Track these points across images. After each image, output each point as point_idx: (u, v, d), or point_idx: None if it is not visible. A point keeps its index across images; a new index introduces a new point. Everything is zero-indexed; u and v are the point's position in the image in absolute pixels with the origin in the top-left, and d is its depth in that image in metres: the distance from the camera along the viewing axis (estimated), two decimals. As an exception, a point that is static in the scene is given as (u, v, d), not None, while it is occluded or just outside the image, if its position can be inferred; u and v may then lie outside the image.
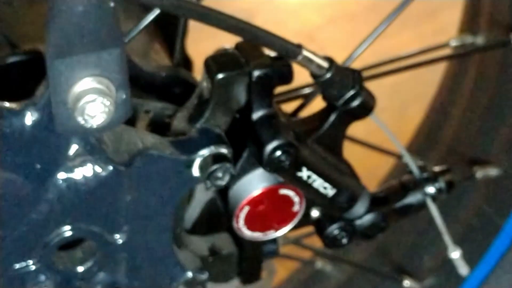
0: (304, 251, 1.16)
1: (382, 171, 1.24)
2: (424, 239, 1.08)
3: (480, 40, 0.95)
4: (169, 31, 0.79)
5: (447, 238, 0.79)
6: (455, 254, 0.80)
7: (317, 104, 0.70)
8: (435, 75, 1.15)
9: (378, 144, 0.90)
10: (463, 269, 0.80)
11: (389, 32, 0.79)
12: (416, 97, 1.37)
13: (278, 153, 0.62)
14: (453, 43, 0.95)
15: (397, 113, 1.70)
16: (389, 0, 0.82)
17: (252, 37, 0.59)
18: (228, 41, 0.64)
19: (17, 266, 0.62)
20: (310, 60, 0.62)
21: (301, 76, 0.69)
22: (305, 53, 0.62)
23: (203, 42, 0.92)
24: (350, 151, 0.77)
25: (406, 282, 1.02)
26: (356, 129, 0.83)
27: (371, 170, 1.23)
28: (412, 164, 0.76)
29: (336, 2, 2.07)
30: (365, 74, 0.82)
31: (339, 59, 0.78)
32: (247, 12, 1.99)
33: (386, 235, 0.98)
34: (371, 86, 0.69)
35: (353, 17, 1.98)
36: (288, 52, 0.61)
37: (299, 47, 0.61)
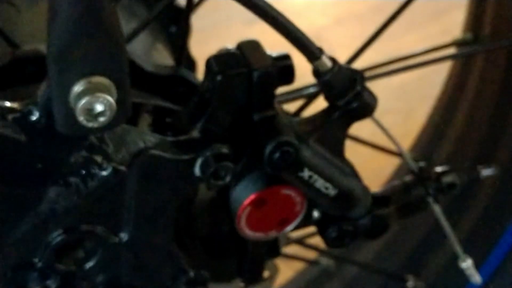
0: (309, 251, 1.16)
1: (388, 172, 1.24)
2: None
3: (484, 40, 0.95)
4: (173, 31, 0.79)
5: (453, 240, 0.78)
6: (466, 264, 0.79)
7: (320, 104, 0.70)
8: (442, 76, 1.15)
9: (383, 145, 0.90)
10: (475, 278, 0.79)
11: (395, 33, 0.79)
12: (423, 99, 1.37)
13: (279, 153, 0.62)
14: (457, 43, 0.95)
15: (404, 114, 1.70)
16: (395, 0, 0.82)
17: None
18: (234, 42, 0.64)
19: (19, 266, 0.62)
20: None
21: (304, 76, 0.70)
22: None
23: (209, 43, 0.92)
24: (355, 152, 0.77)
25: (410, 283, 1.02)
26: (361, 130, 0.83)
27: (376, 170, 1.23)
28: (412, 164, 0.75)
29: (342, 2, 2.07)
30: (369, 73, 0.82)
31: (346, 59, 0.78)
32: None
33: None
34: (377, 87, 0.69)
35: (360, 18, 1.98)
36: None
37: None
